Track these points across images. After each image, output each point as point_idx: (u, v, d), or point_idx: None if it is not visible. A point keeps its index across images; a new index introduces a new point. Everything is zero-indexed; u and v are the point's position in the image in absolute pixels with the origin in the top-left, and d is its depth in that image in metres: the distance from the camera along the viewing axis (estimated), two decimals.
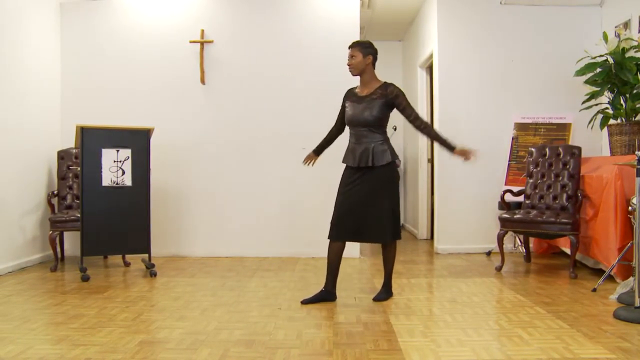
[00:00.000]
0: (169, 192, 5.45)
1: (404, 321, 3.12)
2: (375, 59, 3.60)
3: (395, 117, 8.48)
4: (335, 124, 3.79)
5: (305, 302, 3.53)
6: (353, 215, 3.48)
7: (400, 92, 3.51)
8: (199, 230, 5.45)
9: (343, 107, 3.68)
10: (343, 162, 3.60)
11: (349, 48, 3.60)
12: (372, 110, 3.47)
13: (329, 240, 3.55)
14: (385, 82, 3.57)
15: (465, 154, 3.45)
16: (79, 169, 4.55)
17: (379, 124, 3.51)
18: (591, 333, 2.84)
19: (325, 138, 3.84)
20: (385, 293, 3.65)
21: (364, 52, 3.54)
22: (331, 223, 3.55)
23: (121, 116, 5.30)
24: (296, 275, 4.47)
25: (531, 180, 4.86)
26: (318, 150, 3.88)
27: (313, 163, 3.90)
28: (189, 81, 5.48)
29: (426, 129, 3.56)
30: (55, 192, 5.08)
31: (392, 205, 3.53)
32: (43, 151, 5.23)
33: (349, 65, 3.58)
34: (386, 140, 3.54)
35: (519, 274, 4.54)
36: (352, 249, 5.36)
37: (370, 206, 3.47)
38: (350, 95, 3.64)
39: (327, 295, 3.58)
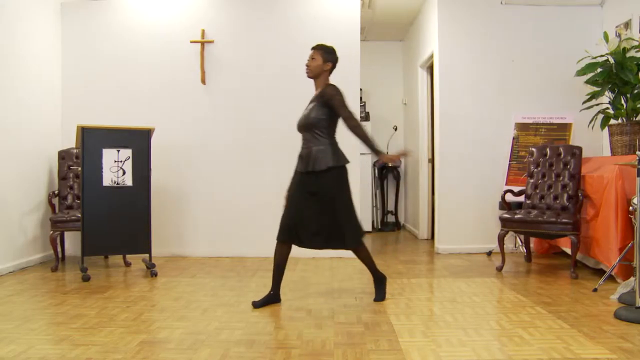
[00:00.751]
0: (170, 192, 5.45)
1: (404, 321, 3.12)
2: (334, 67, 3.55)
3: (395, 118, 8.46)
4: None
5: (255, 304, 3.45)
6: (305, 221, 3.37)
7: (335, 93, 3.39)
8: (200, 230, 5.46)
9: None
10: (297, 168, 3.51)
11: (311, 49, 3.54)
12: (310, 113, 3.42)
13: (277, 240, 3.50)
14: (327, 84, 3.51)
15: (392, 159, 3.48)
16: (79, 169, 4.55)
17: (322, 126, 3.40)
18: (592, 333, 2.84)
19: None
20: (381, 290, 3.62)
21: (325, 57, 3.49)
22: (280, 225, 3.47)
23: (122, 116, 5.31)
24: (296, 276, 4.47)
25: (532, 180, 4.86)
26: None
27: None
28: (190, 81, 5.48)
29: (356, 128, 3.33)
30: (56, 192, 5.09)
31: (345, 210, 3.40)
32: (44, 151, 5.23)
33: (307, 66, 3.52)
34: (332, 144, 3.43)
35: (520, 274, 4.54)
36: None
37: (318, 213, 3.36)
38: None
39: (273, 297, 3.53)
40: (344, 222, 3.41)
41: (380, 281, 3.67)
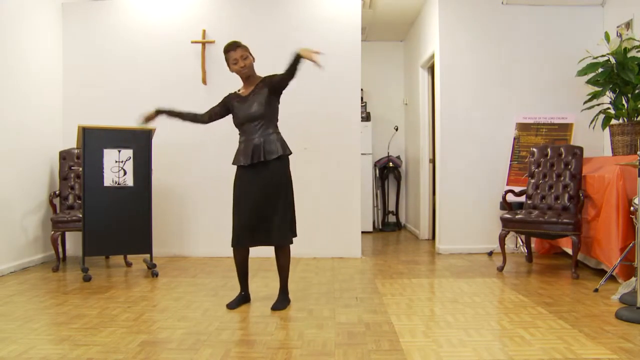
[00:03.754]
0: (171, 192, 5.46)
1: (405, 321, 3.12)
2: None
3: (396, 118, 8.44)
4: (207, 112, 3.61)
5: (230, 306, 3.44)
6: (255, 219, 3.32)
7: (270, 74, 3.42)
8: (201, 230, 5.46)
9: (222, 105, 3.55)
10: (234, 163, 3.43)
11: (233, 50, 3.38)
12: (259, 101, 3.35)
13: (232, 247, 3.43)
14: (260, 76, 3.49)
15: (308, 54, 3.23)
16: (80, 169, 4.55)
17: (270, 116, 3.38)
18: (593, 333, 2.84)
19: (187, 112, 3.65)
20: (284, 301, 3.49)
21: (250, 53, 3.44)
22: (234, 228, 3.38)
23: (123, 116, 5.30)
24: (297, 276, 4.47)
25: (533, 181, 4.86)
26: (167, 112, 3.65)
27: (148, 121, 3.63)
28: (191, 81, 5.48)
29: (289, 72, 3.30)
30: (57, 192, 5.09)
31: (287, 202, 3.39)
32: (45, 151, 5.24)
33: (242, 67, 3.39)
34: (277, 133, 3.41)
35: (521, 274, 4.54)
36: (354, 249, 5.37)
37: (268, 206, 3.31)
38: (233, 97, 3.51)
39: (245, 298, 3.55)
40: (289, 213, 3.37)
41: (285, 293, 3.55)
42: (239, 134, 3.48)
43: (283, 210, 3.35)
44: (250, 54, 3.45)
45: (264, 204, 3.33)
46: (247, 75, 3.45)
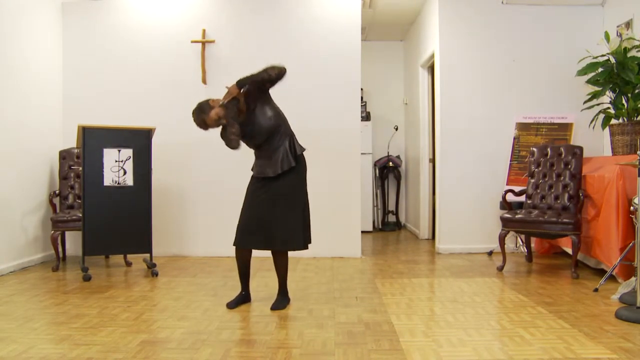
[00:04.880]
0: (171, 192, 5.45)
1: (405, 321, 3.12)
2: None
3: (396, 118, 8.43)
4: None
5: (229, 305, 3.44)
6: (262, 221, 3.32)
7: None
8: (201, 230, 5.46)
9: None
10: (257, 175, 3.44)
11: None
12: (262, 114, 3.33)
13: (234, 247, 3.43)
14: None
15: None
16: (80, 168, 4.55)
17: (279, 123, 3.34)
18: (593, 333, 2.84)
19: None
20: (284, 300, 3.51)
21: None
22: (238, 229, 3.40)
23: (123, 116, 5.31)
24: (297, 276, 4.47)
25: (533, 180, 4.86)
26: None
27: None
28: (191, 81, 5.48)
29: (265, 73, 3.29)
30: (57, 191, 5.09)
31: (302, 206, 3.39)
32: (45, 151, 5.24)
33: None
34: (288, 140, 3.38)
35: (521, 273, 4.54)
36: (353, 249, 5.36)
37: (281, 209, 3.31)
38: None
39: (245, 297, 3.55)
40: (303, 219, 3.38)
41: (284, 293, 3.56)
42: (257, 151, 3.47)
43: (297, 215, 3.34)
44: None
45: (273, 207, 3.33)
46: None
